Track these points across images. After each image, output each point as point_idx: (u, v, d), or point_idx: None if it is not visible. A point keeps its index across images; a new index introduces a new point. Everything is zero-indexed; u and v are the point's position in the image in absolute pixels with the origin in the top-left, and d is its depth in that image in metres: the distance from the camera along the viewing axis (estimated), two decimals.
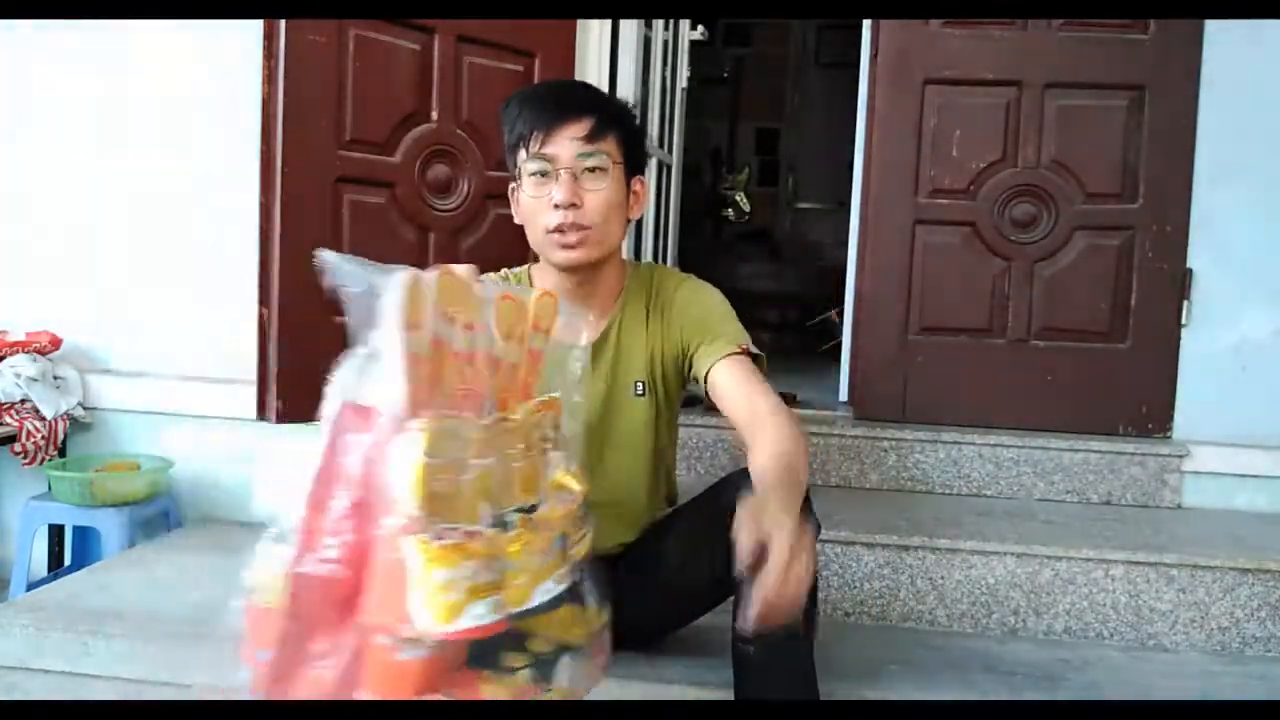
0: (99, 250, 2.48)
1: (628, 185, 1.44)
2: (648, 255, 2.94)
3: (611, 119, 1.41)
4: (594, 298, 1.48)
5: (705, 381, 1.45)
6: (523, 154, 1.40)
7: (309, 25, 2.07)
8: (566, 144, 1.37)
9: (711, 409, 1.51)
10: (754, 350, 1.45)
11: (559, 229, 1.38)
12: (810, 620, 1.36)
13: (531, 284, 1.51)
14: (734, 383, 1.39)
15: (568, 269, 1.43)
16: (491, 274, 1.53)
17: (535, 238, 1.43)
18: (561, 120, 1.37)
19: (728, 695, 1.52)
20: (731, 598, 1.37)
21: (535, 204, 1.40)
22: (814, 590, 1.36)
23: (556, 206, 1.37)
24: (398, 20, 2.19)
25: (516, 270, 1.54)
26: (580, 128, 1.37)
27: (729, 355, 1.42)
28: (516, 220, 1.46)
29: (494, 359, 0.96)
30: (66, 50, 2.44)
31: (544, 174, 1.38)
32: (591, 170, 1.38)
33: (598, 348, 1.49)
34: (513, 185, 1.46)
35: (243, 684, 0.88)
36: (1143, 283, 2.39)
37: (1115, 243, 2.40)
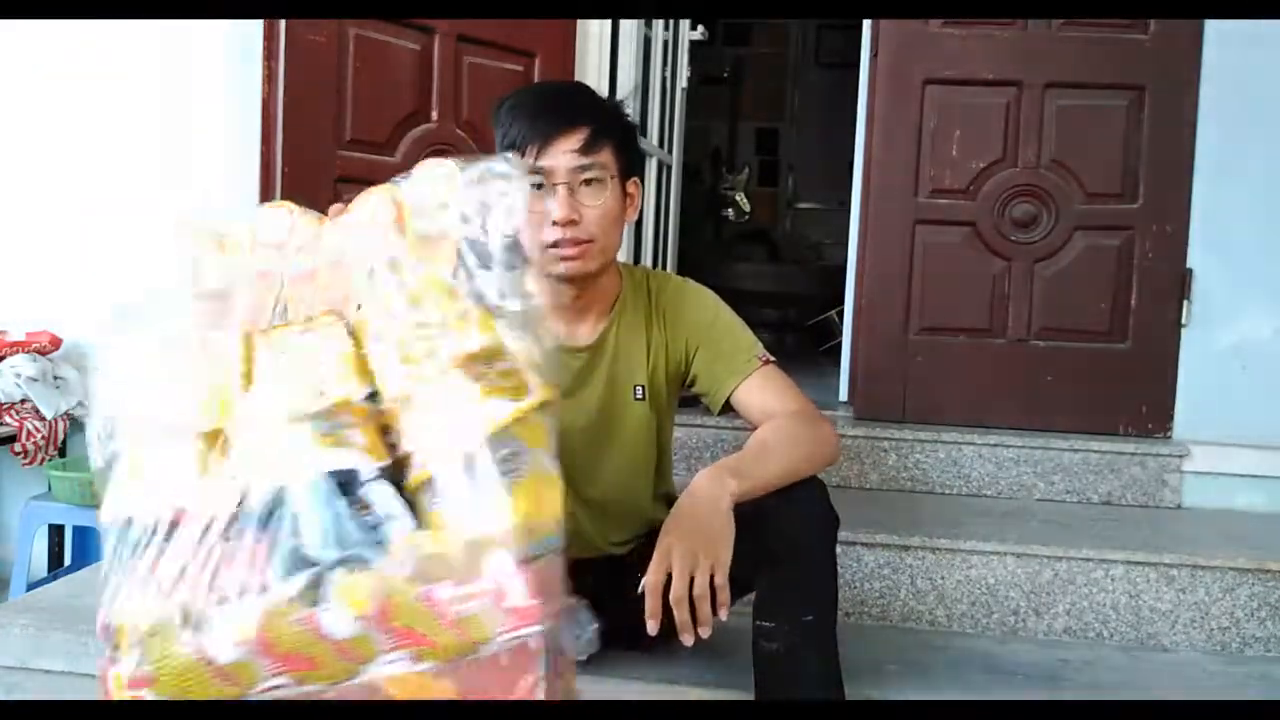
0: (99, 250, 2.47)
1: (623, 189, 1.42)
2: (647, 256, 2.94)
3: (607, 126, 1.37)
4: (591, 303, 1.48)
5: (726, 401, 1.46)
6: None
7: (309, 25, 2.08)
8: (562, 156, 1.33)
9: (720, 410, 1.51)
10: (770, 357, 1.46)
11: (558, 244, 1.35)
12: (831, 614, 1.36)
13: None
14: (758, 397, 1.43)
15: (567, 279, 1.42)
16: None
17: (532, 250, 1.41)
18: (556, 131, 1.33)
19: (730, 695, 1.52)
20: (743, 597, 1.37)
21: (531, 219, 1.38)
22: (834, 584, 1.37)
23: (555, 223, 1.34)
24: (398, 20, 2.20)
25: None
26: (576, 139, 1.34)
27: (750, 374, 1.43)
28: None
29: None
30: (67, 50, 2.44)
31: (539, 187, 1.35)
32: (589, 183, 1.35)
33: (595, 352, 1.49)
34: None
35: None
36: (1143, 283, 2.39)
37: (1115, 243, 2.40)
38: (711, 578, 1.17)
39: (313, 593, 0.81)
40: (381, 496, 0.83)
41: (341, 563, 0.82)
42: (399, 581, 0.80)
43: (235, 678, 0.83)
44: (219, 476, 0.87)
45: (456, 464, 0.83)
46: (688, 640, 1.18)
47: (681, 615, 1.17)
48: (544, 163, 1.34)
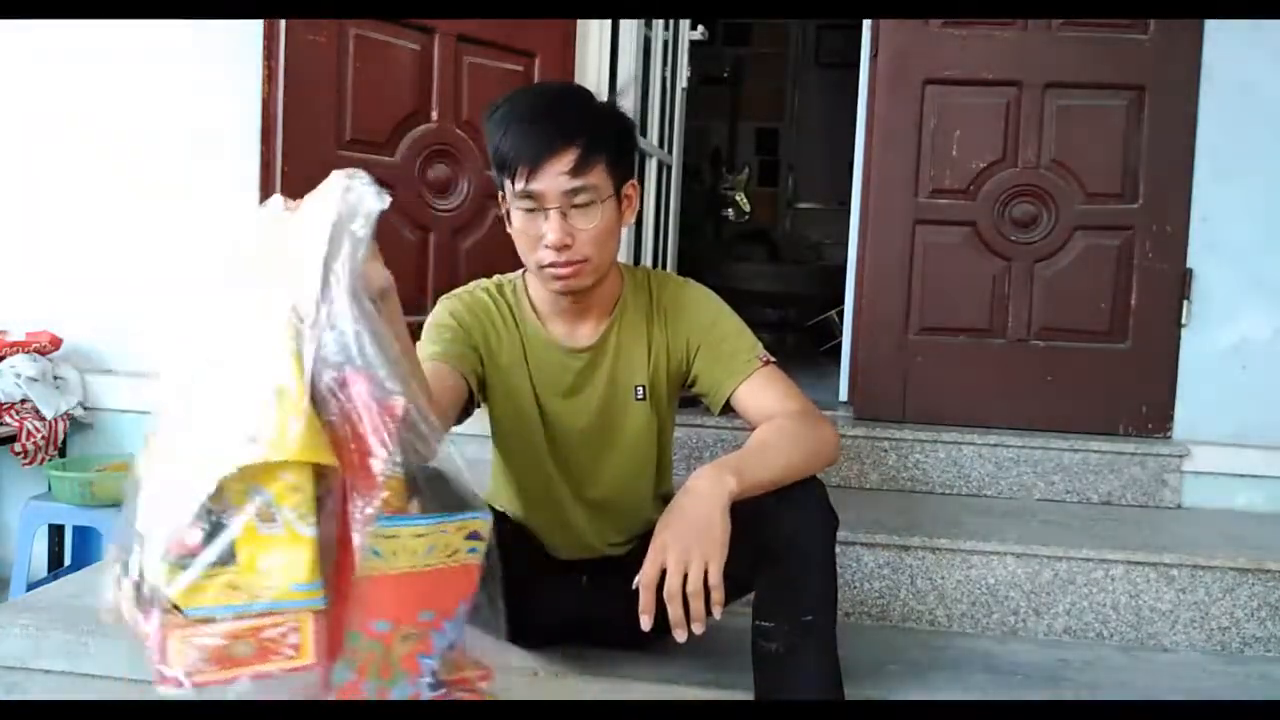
0: (99, 250, 2.47)
1: (619, 197, 1.40)
2: (647, 256, 2.94)
3: (598, 140, 1.34)
4: (592, 305, 1.48)
5: (726, 401, 1.45)
6: (508, 184, 1.35)
7: (309, 25, 2.08)
8: (553, 179, 1.31)
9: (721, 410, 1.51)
10: (770, 357, 1.46)
11: (552, 264, 1.35)
12: (830, 614, 1.36)
13: (527, 293, 1.50)
14: (758, 398, 1.42)
15: (563, 293, 1.41)
16: (485, 281, 1.53)
17: (528, 266, 1.41)
18: (546, 153, 1.31)
19: (729, 695, 1.52)
20: (741, 597, 1.37)
21: (526, 239, 1.37)
22: (833, 584, 1.36)
23: (548, 247, 1.34)
24: (398, 20, 2.20)
25: (510, 277, 1.53)
26: (566, 159, 1.31)
27: (750, 374, 1.43)
28: (509, 230, 1.42)
29: None
30: (66, 49, 2.44)
31: (532, 210, 1.34)
32: (580, 205, 1.33)
33: (596, 352, 1.49)
34: (501, 194, 1.41)
35: None
36: (1143, 283, 2.39)
37: (1115, 243, 2.40)
38: (706, 575, 1.17)
39: (119, 583, 0.85)
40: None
41: (125, 564, 0.84)
42: (129, 596, 0.82)
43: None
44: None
45: (163, 497, 0.82)
46: (680, 637, 1.18)
47: (675, 611, 1.17)
48: (535, 186, 1.32)
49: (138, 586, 0.82)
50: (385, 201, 0.90)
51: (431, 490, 0.90)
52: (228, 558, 0.81)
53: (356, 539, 0.85)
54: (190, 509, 0.80)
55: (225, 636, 0.81)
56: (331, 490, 0.85)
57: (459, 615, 0.94)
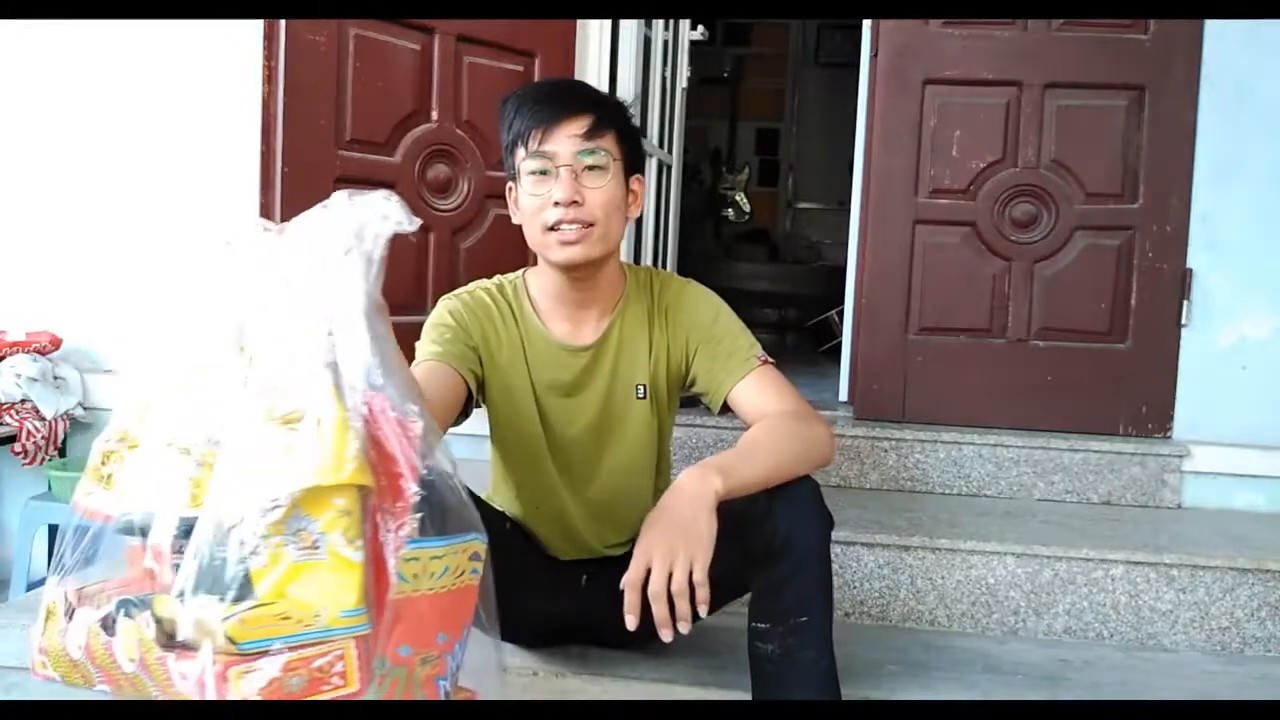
0: (99, 250, 2.47)
1: (626, 184, 1.43)
2: (648, 256, 2.94)
3: (610, 116, 1.40)
4: (595, 300, 1.48)
5: (725, 400, 1.46)
6: (521, 152, 1.38)
7: (309, 25, 2.08)
8: (566, 141, 1.36)
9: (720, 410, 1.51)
10: (768, 359, 1.46)
11: (559, 226, 1.37)
12: (826, 614, 1.36)
13: (527, 291, 1.51)
14: (754, 397, 1.42)
15: (569, 267, 1.42)
16: (485, 281, 1.53)
17: (534, 236, 1.41)
18: (560, 117, 1.36)
19: (729, 695, 1.52)
20: (737, 597, 1.37)
21: (535, 201, 1.38)
22: (829, 584, 1.36)
23: (557, 204, 1.36)
24: (398, 20, 2.20)
25: (511, 277, 1.54)
26: (580, 124, 1.36)
27: (747, 373, 1.43)
28: (514, 220, 1.44)
29: None
30: (67, 49, 2.44)
31: (543, 172, 1.37)
32: (592, 168, 1.37)
33: (598, 350, 1.49)
34: (510, 185, 1.44)
35: None
36: (1143, 283, 2.39)
37: (1115, 243, 2.40)
38: (691, 574, 1.17)
39: (111, 626, 0.84)
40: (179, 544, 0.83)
41: (122, 605, 0.83)
42: (146, 638, 0.81)
43: (81, 672, 0.87)
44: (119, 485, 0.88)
45: (208, 529, 0.80)
46: (666, 637, 1.17)
47: (660, 611, 1.17)
48: (548, 147, 1.36)
49: (160, 624, 0.80)
50: (415, 223, 0.91)
51: (430, 509, 0.88)
52: (269, 589, 0.79)
53: (391, 562, 0.84)
54: (235, 540, 0.79)
55: (283, 669, 0.78)
56: (366, 515, 0.84)
57: (465, 636, 0.94)
